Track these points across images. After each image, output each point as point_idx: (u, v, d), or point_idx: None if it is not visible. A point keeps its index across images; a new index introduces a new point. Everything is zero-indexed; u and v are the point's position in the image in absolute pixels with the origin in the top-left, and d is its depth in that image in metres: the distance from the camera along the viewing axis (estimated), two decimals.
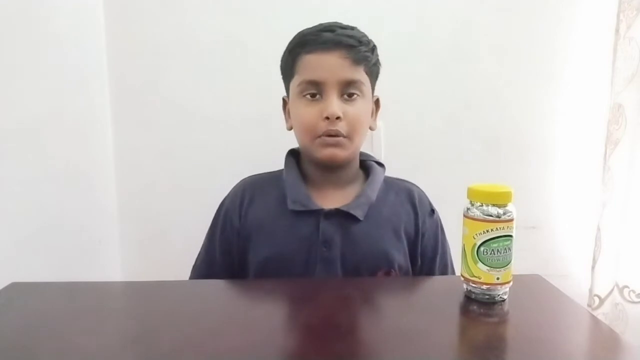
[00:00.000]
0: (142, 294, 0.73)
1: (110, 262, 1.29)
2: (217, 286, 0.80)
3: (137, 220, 1.32)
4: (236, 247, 0.85)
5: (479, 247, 0.63)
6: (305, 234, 0.80)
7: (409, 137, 1.29)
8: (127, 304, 0.71)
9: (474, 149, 1.30)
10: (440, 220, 0.91)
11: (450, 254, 0.92)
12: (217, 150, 1.29)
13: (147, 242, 1.31)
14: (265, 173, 0.91)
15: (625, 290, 1.29)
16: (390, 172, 0.95)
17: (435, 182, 1.22)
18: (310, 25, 0.84)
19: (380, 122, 1.27)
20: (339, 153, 0.79)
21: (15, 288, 0.71)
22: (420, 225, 0.86)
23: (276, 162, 0.90)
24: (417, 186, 0.93)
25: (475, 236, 0.63)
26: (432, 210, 0.90)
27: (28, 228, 0.94)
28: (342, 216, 0.80)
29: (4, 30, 0.88)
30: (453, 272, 0.91)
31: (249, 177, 0.91)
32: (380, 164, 0.91)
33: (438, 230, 0.90)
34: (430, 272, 0.88)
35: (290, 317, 0.65)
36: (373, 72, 0.84)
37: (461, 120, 1.29)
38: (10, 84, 0.89)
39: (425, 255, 0.88)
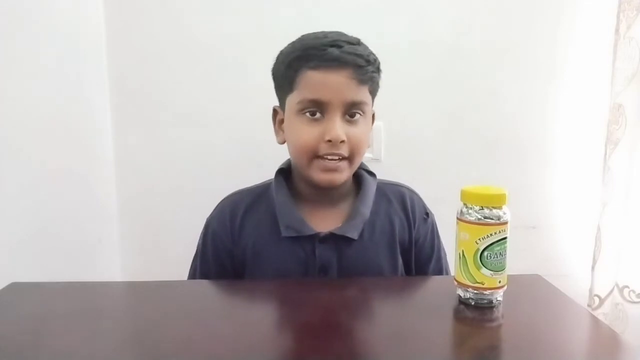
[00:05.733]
0: (142, 294, 0.73)
1: (110, 262, 1.29)
2: (217, 286, 0.80)
3: (137, 220, 1.32)
4: (231, 268, 0.84)
5: (482, 252, 0.62)
6: (300, 258, 0.79)
7: (408, 137, 1.29)
8: (127, 304, 0.71)
9: (474, 149, 1.30)
10: (435, 224, 0.89)
11: (446, 258, 0.90)
12: (217, 151, 1.29)
13: (147, 242, 1.32)
14: (250, 188, 0.87)
15: (625, 290, 1.29)
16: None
17: (435, 182, 1.23)
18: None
19: (380, 122, 1.28)
20: (338, 178, 0.76)
21: (15, 288, 0.71)
22: (413, 232, 0.85)
23: (277, 162, 0.90)
24: (409, 189, 0.89)
25: (478, 241, 0.62)
26: (427, 214, 0.88)
27: (28, 228, 0.94)
28: (337, 238, 0.78)
29: (4, 31, 0.88)
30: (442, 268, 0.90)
31: (232, 195, 0.87)
32: (371, 173, 0.88)
33: (433, 235, 0.88)
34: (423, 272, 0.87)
35: (289, 318, 0.65)
36: (375, 91, 0.81)
37: (461, 120, 1.29)
38: (10, 85, 0.89)
39: (419, 260, 0.86)
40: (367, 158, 1.24)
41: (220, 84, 1.27)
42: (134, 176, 1.30)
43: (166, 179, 1.30)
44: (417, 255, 0.86)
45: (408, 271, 0.85)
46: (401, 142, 1.29)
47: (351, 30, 0.82)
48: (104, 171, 1.27)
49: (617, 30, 1.21)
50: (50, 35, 1.03)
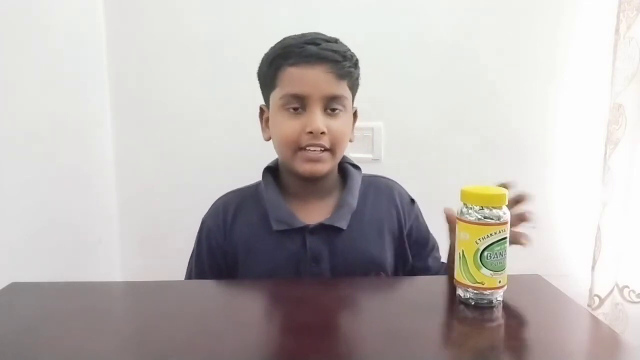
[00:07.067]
0: (142, 294, 0.73)
1: (110, 262, 1.29)
2: (217, 286, 0.80)
3: (137, 220, 1.32)
4: (224, 265, 0.86)
5: (482, 252, 0.62)
6: (292, 251, 0.81)
7: (408, 137, 1.29)
8: (126, 304, 0.71)
9: (474, 149, 1.30)
10: (419, 207, 0.92)
11: (434, 239, 0.93)
12: (216, 150, 1.29)
13: (147, 242, 1.32)
14: (241, 189, 0.90)
15: (625, 290, 1.29)
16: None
17: (435, 182, 1.23)
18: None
19: (380, 122, 1.28)
20: (320, 168, 0.79)
21: (15, 288, 0.71)
22: (404, 222, 0.87)
23: None
24: (390, 179, 0.93)
25: (478, 241, 0.62)
26: (412, 200, 0.91)
27: (28, 228, 0.94)
28: (326, 229, 0.81)
29: (5, 32, 0.88)
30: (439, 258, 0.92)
31: (226, 194, 0.90)
32: (356, 166, 0.90)
33: (421, 218, 0.92)
34: (423, 262, 0.89)
35: (289, 317, 0.65)
36: (355, 87, 0.84)
37: (461, 119, 1.29)
38: (9, 85, 0.89)
39: (418, 241, 0.89)
40: (367, 158, 1.26)
41: (220, 84, 1.27)
42: (134, 176, 1.30)
43: (166, 179, 1.30)
44: (415, 238, 0.89)
45: (405, 259, 0.87)
46: (401, 142, 1.29)
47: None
48: (104, 171, 1.27)
49: (617, 30, 1.20)
50: (50, 35, 1.03)
